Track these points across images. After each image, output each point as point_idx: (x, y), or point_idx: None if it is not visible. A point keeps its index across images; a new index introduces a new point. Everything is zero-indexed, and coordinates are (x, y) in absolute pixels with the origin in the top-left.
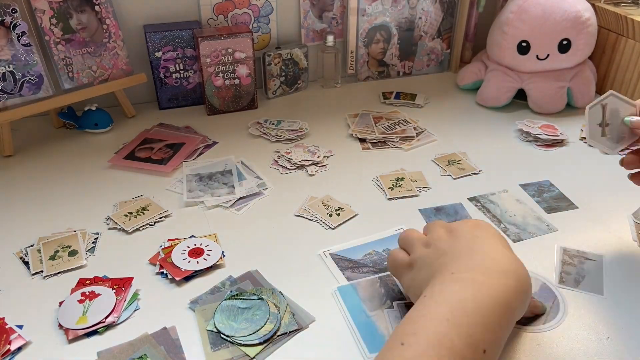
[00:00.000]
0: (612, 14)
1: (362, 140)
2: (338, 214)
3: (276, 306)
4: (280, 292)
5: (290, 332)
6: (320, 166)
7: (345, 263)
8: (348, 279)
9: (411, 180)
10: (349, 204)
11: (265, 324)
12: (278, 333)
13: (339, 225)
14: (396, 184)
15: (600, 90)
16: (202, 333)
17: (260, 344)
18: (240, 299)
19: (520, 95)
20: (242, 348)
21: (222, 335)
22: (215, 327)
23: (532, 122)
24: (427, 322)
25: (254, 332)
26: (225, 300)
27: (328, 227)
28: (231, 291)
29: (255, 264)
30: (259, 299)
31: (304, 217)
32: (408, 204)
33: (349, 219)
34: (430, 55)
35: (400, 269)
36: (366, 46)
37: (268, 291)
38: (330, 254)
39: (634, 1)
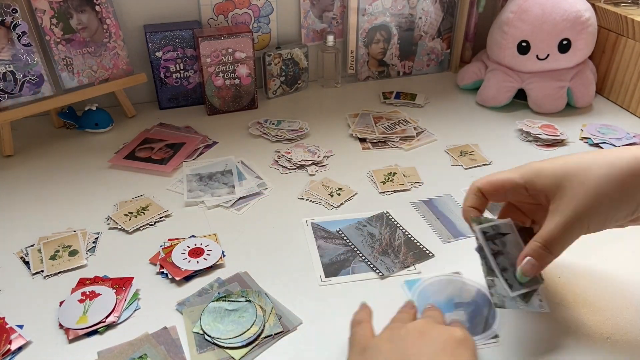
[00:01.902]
0: (612, 14)
1: (362, 140)
2: (339, 194)
3: (262, 308)
4: (266, 294)
5: (275, 334)
6: (320, 166)
7: (322, 233)
8: (319, 247)
9: (403, 175)
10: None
11: (251, 327)
12: (262, 335)
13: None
14: (388, 178)
15: (600, 91)
16: (188, 335)
17: (243, 346)
18: (228, 300)
19: (520, 95)
20: (227, 351)
21: (205, 337)
22: (202, 328)
23: (532, 122)
24: None
25: (239, 335)
26: (212, 302)
27: (332, 207)
28: (219, 293)
29: (256, 264)
30: (247, 301)
31: (307, 200)
32: (403, 197)
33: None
34: (430, 55)
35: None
36: (366, 46)
37: (254, 293)
38: (312, 223)
39: (634, 1)
